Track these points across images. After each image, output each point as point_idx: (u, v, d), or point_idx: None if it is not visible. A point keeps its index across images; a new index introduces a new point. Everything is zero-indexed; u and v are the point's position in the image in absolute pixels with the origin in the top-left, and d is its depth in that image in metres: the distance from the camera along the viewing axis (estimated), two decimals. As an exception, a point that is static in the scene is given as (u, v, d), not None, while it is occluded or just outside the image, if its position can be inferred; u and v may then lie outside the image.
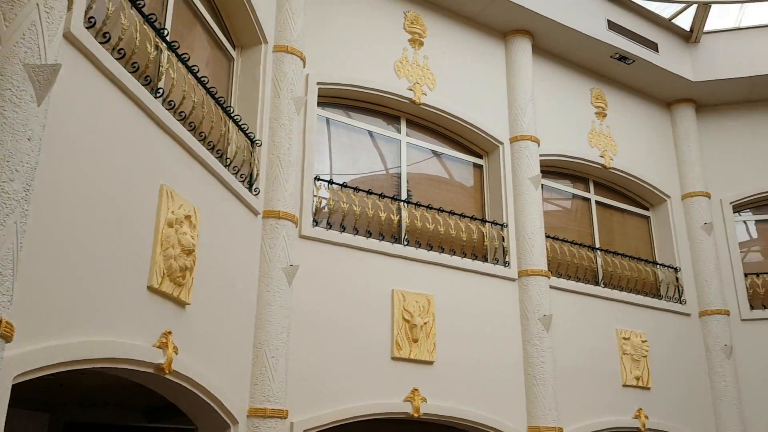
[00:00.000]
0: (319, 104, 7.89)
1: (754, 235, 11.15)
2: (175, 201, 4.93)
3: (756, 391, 9.71)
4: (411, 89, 8.40)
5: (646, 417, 8.93)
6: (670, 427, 9.17)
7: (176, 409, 5.81)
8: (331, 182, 7.69)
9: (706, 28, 10.68)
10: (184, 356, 4.96)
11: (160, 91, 5.11)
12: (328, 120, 8.16)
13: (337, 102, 8.25)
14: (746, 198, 10.77)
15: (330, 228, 7.34)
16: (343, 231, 7.43)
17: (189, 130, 5.38)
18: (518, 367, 8.13)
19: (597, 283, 9.54)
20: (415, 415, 7.16)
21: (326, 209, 7.55)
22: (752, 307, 10.17)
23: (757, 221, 11.08)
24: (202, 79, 5.77)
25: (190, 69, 5.60)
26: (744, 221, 11.05)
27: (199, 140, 5.52)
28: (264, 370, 6.13)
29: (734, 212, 10.78)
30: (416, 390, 7.23)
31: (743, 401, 9.65)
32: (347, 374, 6.91)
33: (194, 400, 5.40)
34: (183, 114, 5.44)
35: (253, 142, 6.64)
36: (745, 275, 10.37)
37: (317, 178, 7.50)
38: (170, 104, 5.26)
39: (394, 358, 7.23)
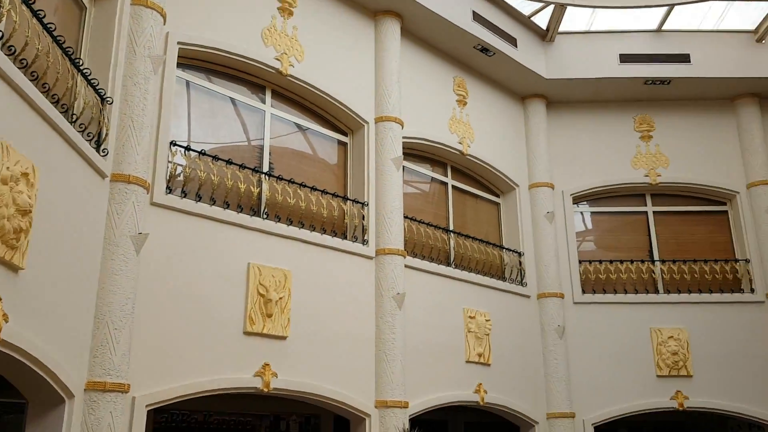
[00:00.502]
0: (179, 65, 7.50)
1: (590, 225, 12.11)
2: (10, 156, 4.48)
3: (583, 369, 10.60)
4: (278, 59, 8.21)
5: (485, 392, 9.46)
6: (506, 401, 9.79)
7: (4, 381, 5.34)
8: (188, 149, 7.35)
9: (561, 28, 11.35)
10: (15, 324, 4.55)
11: (0, 33, 4.61)
12: (188, 83, 7.78)
13: (198, 65, 7.88)
14: (585, 191, 11.65)
15: (185, 197, 7.03)
16: (199, 200, 7.15)
17: (31, 80, 4.90)
18: (370, 343, 8.30)
19: (449, 264, 9.93)
20: (265, 390, 7.10)
21: (182, 177, 7.22)
22: (584, 292, 11.06)
23: (592, 213, 12.03)
24: (49, 25, 5.27)
25: (35, 13, 5.09)
26: (581, 212, 11.96)
27: (42, 92, 5.04)
28: (105, 342, 5.78)
29: (573, 203, 11.64)
30: (267, 365, 7.15)
31: (571, 378, 10.50)
32: (196, 348, 6.69)
33: (24, 372, 4.99)
34: (24, 62, 4.94)
35: (103, 99, 6.18)
36: (580, 262, 11.26)
37: (173, 144, 7.14)
38: (10, 50, 4.77)
39: (246, 333, 7.10)
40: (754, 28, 11.32)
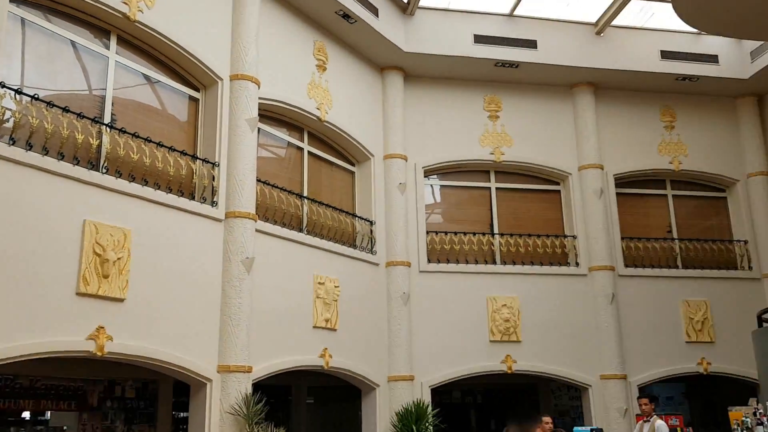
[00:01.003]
0: (12, 0, 6.78)
1: (438, 198, 12.60)
2: None
3: (424, 334, 11.09)
4: (125, 2, 7.64)
5: (330, 356, 9.62)
6: (351, 365, 10.03)
7: None
8: (19, 92, 6.70)
9: (421, 3, 11.55)
10: None
11: None
12: (23, 21, 7.06)
13: (36, 1, 7.17)
14: (436, 165, 12.08)
15: (13, 144, 6.41)
16: (30, 149, 6.56)
17: None
18: (215, 307, 8.12)
19: (301, 230, 9.91)
20: (99, 354, 6.74)
21: (11, 123, 6.57)
22: (429, 261, 11.53)
23: (441, 186, 12.51)
24: None
25: None
26: (431, 185, 12.40)
27: None
28: None
29: (425, 176, 12.04)
30: (102, 328, 6.78)
31: (413, 343, 10.95)
32: (22, 309, 6.19)
33: None
34: None
35: None
36: (427, 233, 11.70)
37: (2, 85, 6.47)
38: None
39: (79, 294, 6.67)
40: (595, 20, 12.18)
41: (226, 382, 7.96)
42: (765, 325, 7.94)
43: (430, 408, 10.46)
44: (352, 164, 11.52)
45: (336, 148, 11.21)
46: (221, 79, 8.78)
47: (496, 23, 11.98)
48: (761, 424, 6.66)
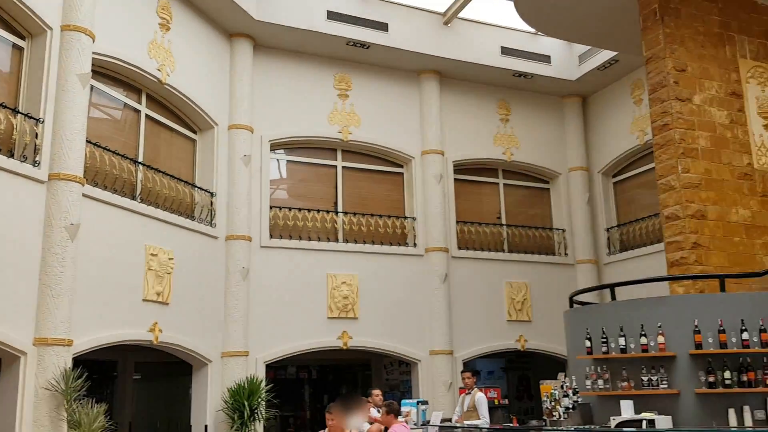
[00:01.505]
0: None
1: (284, 173, 12.47)
2: None
3: (262, 310, 10.97)
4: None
5: (161, 331, 9.26)
6: (182, 340, 9.72)
7: None
8: None
9: (277, -27, 11.27)
10: None
11: None
12: None
13: None
14: (283, 139, 11.94)
15: None
16: None
17: None
18: (33, 276, 7.47)
19: (134, 198, 9.36)
20: None
21: None
22: (271, 236, 11.40)
23: (288, 161, 12.39)
24: None
25: None
26: (278, 159, 12.24)
27: None
28: None
29: (271, 150, 11.85)
30: None
31: (250, 318, 10.81)
32: None
33: None
34: None
35: None
36: (270, 207, 11.55)
37: None
38: None
39: None
40: (443, 10, 12.59)
41: (44, 355, 7.38)
42: (576, 306, 8.72)
43: (263, 384, 10.41)
44: (194, 132, 11.06)
45: (177, 114, 10.69)
46: (50, 29, 8.01)
47: (351, 2, 12.00)
48: (567, 396, 7.33)
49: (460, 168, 13.19)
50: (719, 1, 9.20)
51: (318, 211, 11.94)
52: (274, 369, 11.92)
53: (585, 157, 13.93)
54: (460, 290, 12.39)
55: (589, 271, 13.37)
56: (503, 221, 13.51)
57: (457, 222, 12.83)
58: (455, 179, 13.01)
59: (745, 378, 6.71)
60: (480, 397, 8.33)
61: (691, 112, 8.64)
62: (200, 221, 10.48)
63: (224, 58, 11.40)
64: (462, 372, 9.27)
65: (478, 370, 8.77)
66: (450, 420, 8.72)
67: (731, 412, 6.65)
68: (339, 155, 12.57)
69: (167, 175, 10.04)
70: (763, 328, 6.78)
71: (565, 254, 13.62)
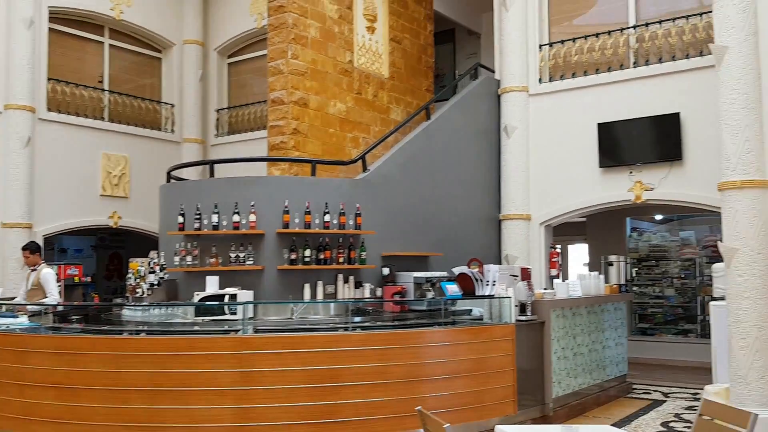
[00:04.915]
0: None
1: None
2: None
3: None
4: None
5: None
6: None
7: None
8: None
9: None
10: None
11: None
12: None
13: None
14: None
15: None
16: None
17: None
18: None
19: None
20: None
21: None
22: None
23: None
24: None
25: None
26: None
27: None
28: None
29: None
30: None
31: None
32: None
33: None
34: None
35: None
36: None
37: None
38: None
39: None
40: None
41: None
42: (173, 182, 8.35)
43: None
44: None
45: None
46: None
47: None
48: (153, 272, 7.03)
49: (58, 15, 11.30)
50: None
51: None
52: None
53: (202, 31, 13.28)
54: (46, 157, 10.89)
55: (196, 151, 13.08)
56: (106, 86, 12.18)
57: (49, 79, 11.09)
58: (51, 28, 11.12)
59: (322, 256, 7.29)
60: (46, 273, 7.38)
61: (306, -2, 8.72)
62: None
63: None
64: (22, 249, 7.96)
65: (38, 245, 7.57)
66: (13, 299, 7.69)
67: (306, 287, 7.19)
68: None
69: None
70: (343, 211, 7.39)
71: (172, 131, 13.03)
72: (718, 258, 7.25)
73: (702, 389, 7.22)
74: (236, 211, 7.12)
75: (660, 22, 8.65)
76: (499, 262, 9.08)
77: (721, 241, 6.56)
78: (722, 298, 6.88)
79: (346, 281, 7.40)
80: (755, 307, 6.23)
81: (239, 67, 13.41)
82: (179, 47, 13.06)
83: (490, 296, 6.85)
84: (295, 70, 8.64)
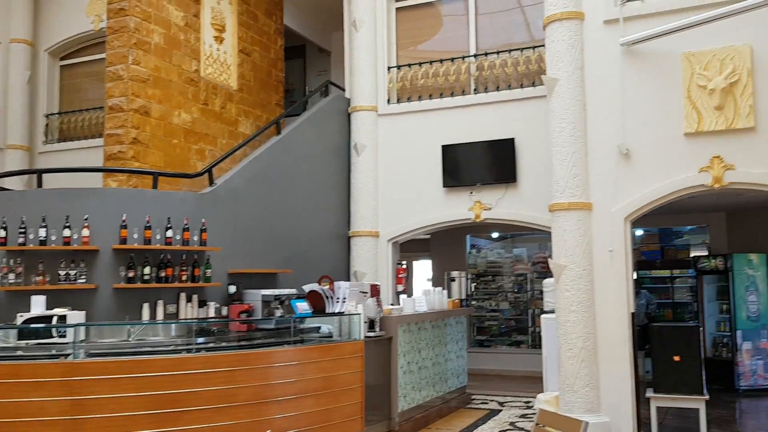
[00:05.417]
0: None
1: None
2: None
3: None
4: None
5: None
6: None
7: None
8: None
9: None
10: None
11: None
12: None
13: None
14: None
15: None
16: None
17: None
18: None
19: None
20: None
21: None
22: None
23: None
24: None
25: None
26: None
27: None
28: None
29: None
30: None
31: None
32: None
33: None
34: None
35: None
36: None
37: None
38: None
39: None
40: None
41: None
42: (-7, 192, 7.57)
43: None
44: None
45: None
46: None
47: None
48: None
49: None
50: None
51: None
52: None
53: (32, 30, 12.21)
54: None
55: (20, 159, 11.92)
56: None
57: None
58: None
59: (163, 274, 6.91)
60: None
61: (149, 3, 8.31)
62: None
63: None
64: None
65: None
66: None
67: (145, 306, 6.78)
68: None
69: None
70: (187, 226, 7.07)
71: (-7, 136, 11.81)
72: (548, 273, 7.80)
73: (534, 398, 7.69)
74: (67, 225, 6.57)
75: (498, 52, 9.22)
76: (349, 279, 9.14)
77: (551, 257, 7.06)
78: (552, 311, 7.39)
79: (189, 300, 7.07)
80: (581, 319, 6.76)
81: (73, 70, 12.47)
82: (5, 46, 11.91)
83: (341, 313, 6.86)
84: (136, 76, 8.19)
